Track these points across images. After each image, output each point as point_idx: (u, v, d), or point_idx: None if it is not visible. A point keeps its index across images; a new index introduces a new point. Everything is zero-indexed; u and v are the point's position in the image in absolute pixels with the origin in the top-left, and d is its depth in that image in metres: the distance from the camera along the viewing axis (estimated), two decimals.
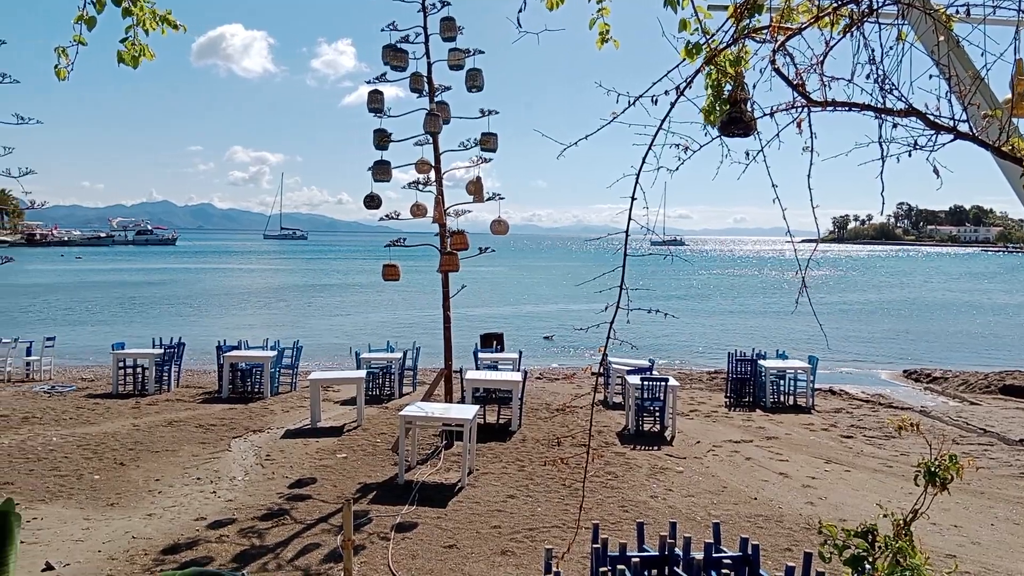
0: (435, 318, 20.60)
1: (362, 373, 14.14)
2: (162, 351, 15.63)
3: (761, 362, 15.12)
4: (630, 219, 3.17)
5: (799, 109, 3.05)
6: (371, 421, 13.19)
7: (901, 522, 2.83)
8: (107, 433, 11.88)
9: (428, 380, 16.70)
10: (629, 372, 13.49)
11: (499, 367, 15.22)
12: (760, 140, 3.44)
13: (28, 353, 17.41)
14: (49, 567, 7.13)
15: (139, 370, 15.48)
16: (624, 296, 3.24)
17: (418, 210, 11.83)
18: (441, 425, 11.14)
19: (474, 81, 11.36)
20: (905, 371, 20.73)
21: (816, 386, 15.33)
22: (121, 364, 15.35)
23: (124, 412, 13.48)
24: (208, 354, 18.57)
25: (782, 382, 15.09)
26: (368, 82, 11.41)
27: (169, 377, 15.73)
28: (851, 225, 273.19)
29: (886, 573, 2.67)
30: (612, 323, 3.23)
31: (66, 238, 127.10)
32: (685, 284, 60.09)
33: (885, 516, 2.93)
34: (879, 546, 2.75)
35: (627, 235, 3.30)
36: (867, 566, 2.70)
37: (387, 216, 11.92)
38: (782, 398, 15.00)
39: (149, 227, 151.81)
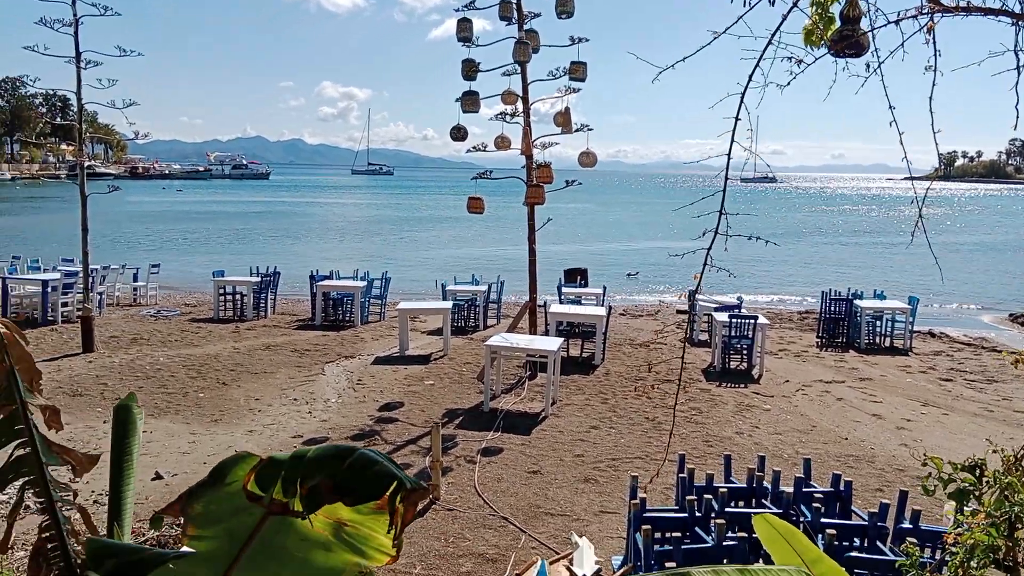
0: (519, 254, 20.58)
1: (448, 304, 14.38)
2: (259, 279, 16.27)
3: (857, 302, 14.58)
4: (733, 140, 3.02)
5: (927, 15, 2.81)
6: (457, 351, 13.46)
7: (1012, 458, 2.70)
8: (210, 355, 12.53)
9: (512, 313, 16.85)
10: (717, 309, 13.25)
11: (583, 302, 15.20)
12: (878, 55, 3.20)
13: (135, 279, 18.40)
14: (158, 476, 7.65)
15: (238, 297, 16.18)
16: (724, 221, 3.12)
17: (503, 142, 11.74)
18: (525, 356, 11.26)
19: (564, 6, 11.05)
20: (1011, 315, 19.63)
21: (915, 328, 14.71)
22: (221, 291, 16.07)
23: (225, 336, 14.17)
24: (302, 283, 19.21)
25: (878, 323, 14.54)
26: (456, 11, 11.27)
27: (266, 304, 16.39)
28: (959, 162, 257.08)
29: (992, 508, 2.57)
30: (710, 248, 3.12)
31: (167, 171, 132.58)
32: (778, 223, 58.17)
33: (995, 452, 2.80)
34: (987, 481, 2.64)
35: (729, 157, 3.16)
36: (972, 500, 2.59)
37: (473, 148, 11.89)
38: (878, 340, 14.47)
39: (244, 162, 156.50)
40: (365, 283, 16.11)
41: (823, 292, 15.06)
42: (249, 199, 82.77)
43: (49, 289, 14.50)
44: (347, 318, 15.85)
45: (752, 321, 12.12)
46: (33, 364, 1.66)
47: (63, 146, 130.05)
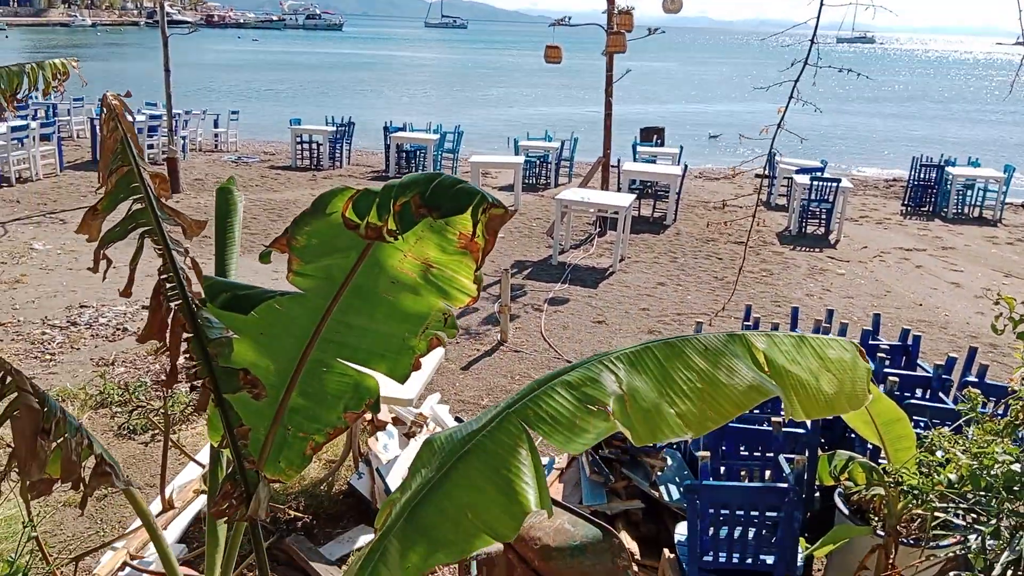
0: (594, 114, 20.01)
1: (520, 159, 14.27)
2: (334, 129, 16.39)
3: (948, 169, 13.86)
4: None
5: None
6: (527, 206, 13.49)
7: None
8: (288, 200, 12.90)
9: (583, 173, 16.65)
10: (797, 172, 12.81)
11: (658, 161, 14.87)
12: None
13: (215, 125, 18.76)
14: None
15: (314, 146, 16.40)
16: (815, 52, 2.96)
17: None
18: (596, 212, 11.23)
19: None
20: None
21: (1008, 199, 13.98)
22: (299, 139, 16.29)
23: (302, 183, 14.51)
24: (375, 135, 19.26)
25: (969, 192, 13.85)
26: None
27: (341, 154, 16.59)
28: None
29: None
30: (797, 80, 2.99)
31: (241, 20, 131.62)
32: (874, 85, 54.65)
33: None
34: None
35: (821, 3, 2.96)
36: None
37: None
38: (966, 209, 13.85)
39: (318, 12, 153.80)
40: (438, 136, 16.06)
41: (913, 158, 14.34)
42: (323, 50, 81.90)
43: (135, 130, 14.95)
44: (420, 170, 15.94)
45: (834, 184, 11.71)
46: (137, 137, 1.77)
47: None
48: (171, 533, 4.15)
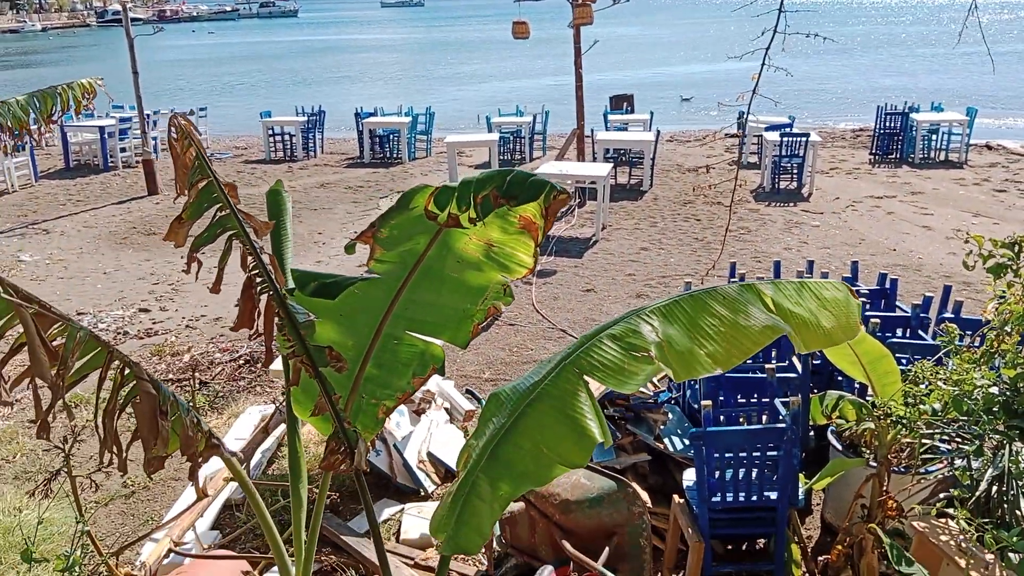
0: (563, 84, 20.10)
1: (495, 136, 14.39)
2: (305, 119, 16.38)
3: (913, 115, 14.19)
4: None
5: None
6: None
7: None
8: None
9: (557, 145, 16.79)
10: (767, 129, 13.07)
11: (629, 129, 15.06)
12: None
13: None
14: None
15: (287, 137, 16.39)
16: (783, 20, 3.16)
17: None
18: (575, 183, 11.43)
19: None
20: None
21: (972, 141, 14.35)
22: (271, 131, 16.27)
23: (279, 176, 14.53)
24: (345, 121, 19.26)
25: (934, 137, 14.20)
26: None
27: (314, 143, 16.60)
28: None
29: None
30: (768, 48, 3.20)
31: (195, 13, 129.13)
32: (833, 35, 54.94)
33: None
34: None
35: None
36: (1010, 274, 2.81)
37: None
38: (932, 154, 14.20)
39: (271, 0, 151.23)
40: (410, 119, 16.11)
41: (878, 107, 14.65)
42: (281, 39, 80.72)
43: (106, 135, 14.89)
44: (395, 155, 16.02)
45: (803, 139, 11.98)
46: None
47: None
48: (205, 520, 4.36)
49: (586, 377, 1.82)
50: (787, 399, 4.02)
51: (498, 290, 2.01)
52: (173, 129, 1.83)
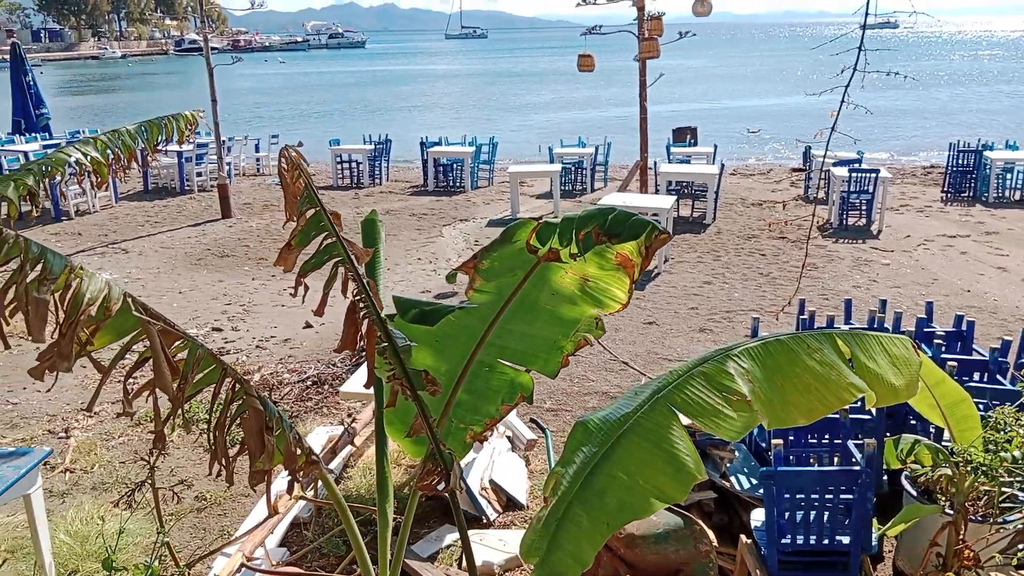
0: (625, 115, 20.14)
1: (557, 167, 14.52)
2: (372, 147, 16.80)
3: (987, 153, 13.81)
4: None
5: None
6: (566, 213, 13.71)
7: None
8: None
9: (619, 176, 16.83)
10: (835, 164, 12.88)
11: (692, 161, 15.02)
12: None
13: (256, 149, 19.30)
14: (308, 325, 8.46)
15: (354, 164, 16.82)
16: (862, 58, 3.15)
17: None
18: (637, 214, 11.42)
19: None
20: None
21: None
22: (339, 159, 16.73)
23: (346, 202, 14.91)
24: (410, 150, 19.64)
25: (1009, 175, 13.79)
26: None
27: (380, 171, 16.99)
28: None
29: None
30: (847, 86, 3.19)
31: (267, 43, 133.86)
32: (902, 70, 53.89)
33: None
34: None
35: (866, 16, 3.15)
36: None
37: (583, 2, 11.65)
38: (1007, 193, 13.79)
39: (340, 31, 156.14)
40: (474, 148, 16.38)
41: (950, 144, 14.31)
42: (349, 69, 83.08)
43: (184, 160, 15.50)
44: (458, 183, 16.27)
45: (873, 175, 11.78)
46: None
47: (167, 21, 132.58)
48: (274, 537, 4.45)
49: (681, 416, 1.84)
50: (861, 441, 3.94)
51: (590, 323, 2.06)
52: (284, 160, 1.93)
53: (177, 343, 1.85)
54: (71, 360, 1.61)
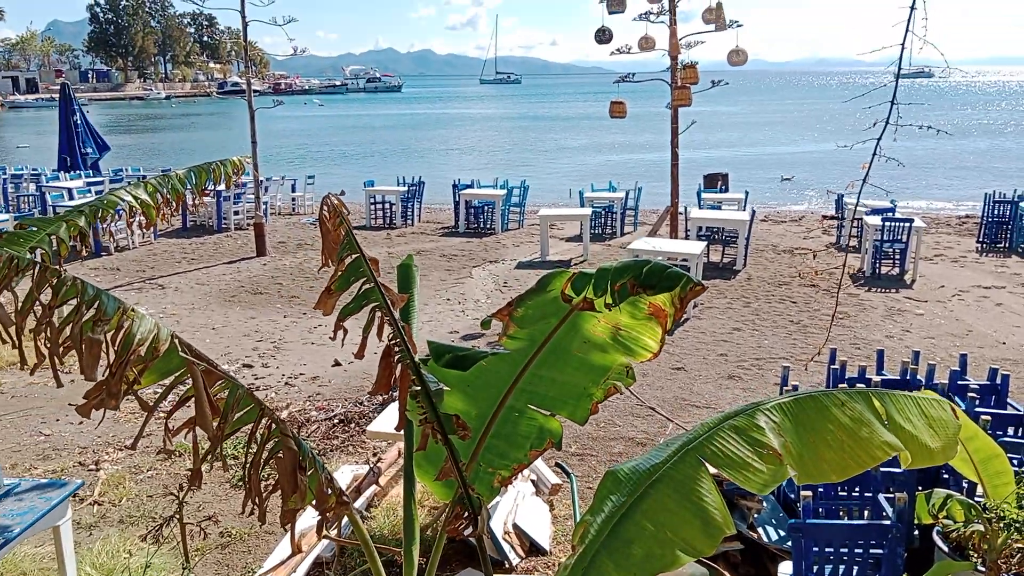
0: (656, 160, 20.24)
1: (587, 211, 14.64)
2: (405, 189, 17.08)
3: (1023, 204, 13.66)
4: (909, 28, 3.06)
5: None
6: (595, 256, 13.78)
7: None
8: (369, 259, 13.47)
9: (649, 221, 16.90)
10: (868, 213, 12.82)
11: (723, 207, 15.04)
12: None
13: (293, 189, 19.71)
14: (336, 363, 8.55)
15: (387, 205, 17.10)
16: (895, 112, 3.19)
17: (647, 43, 11.64)
18: (667, 259, 11.44)
19: None
20: None
21: None
22: (372, 200, 17.02)
23: (378, 242, 15.12)
24: (443, 192, 19.92)
25: None
26: None
27: (412, 213, 17.24)
28: None
29: None
30: (879, 139, 3.22)
31: (306, 87, 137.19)
32: (937, 121, 53.62)
33: None
34: None
35: (903, 48, 3.19)
36: None
37: (616, 51, 11.85)
38: None
39: (378, 75, 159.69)
40: (505, 191, 16.57)
41: (986, 194, 14.18)
42: (385, 112, 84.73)
43: (222, 198, 15.87)
44: (488, 225, 16.44)
45: (907, 224, 11.69)
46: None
47: (211, 64, 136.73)
48: None
49: (709, 466, 1.86)
50: (892, 495, 3.88)
51: (621, 371, 2.10)
52: (325, 207, 2.01)
53: (218, 383, 1.91)
54: (119, 398, 1.68)
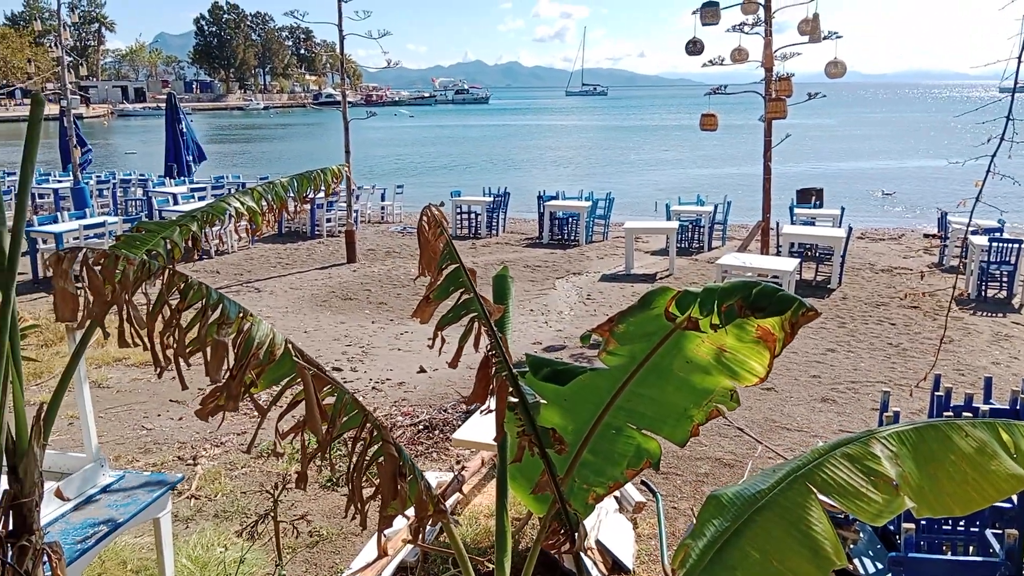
0: (747, 174, 19.77)
1: (674, 224, 14.43)
2: (491, 199, 17.24)
3: None
4: None
5: None
6: (682, 271, 13.56)
7: None
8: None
9: (737, 236, 16.53)
10: (974, 233, 12.19)
11: (817, 223, 14.57)
12: None
13: (382, 198, 20.16)
14: (422, 370, 8.67)
15: (473, 215, 17.29)
16: (1011, 127, 3.02)
17: (740, 55, 11.42)
18: (757, 276, 11.16)
19: None
20: None
21: None
22: (459, 210, 17.24)
23: (464, 251, 15.28)
24: (528, 203, 20.00)
25: None
26: None
27: (497, 223, 17.38)
28: None
29: None
30: (994, 155, 3.06)
31: (396, 98, 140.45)
32: None
33: None
34: None
35: (1019, 61, 3.03)
36: None
37: (709, 62, 11.67)
38: None
39: (466, 87, 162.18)
40: (590, 203, 16.51)
41: None
42: (472, 123, 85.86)
43: (316, 206, 16.39)
44: (573, 237, 16.41)
45: (1016, 246, 11.06)
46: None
47: (307, 76, 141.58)
48: None
49: (820, 495, 1.79)
50: (1000, 531, 3.65)
51: (724, 394, 2.05)
52: (425, 217, 2.05)
53: (326, 388, 1.97)
54: (238, 401, 1.75)
